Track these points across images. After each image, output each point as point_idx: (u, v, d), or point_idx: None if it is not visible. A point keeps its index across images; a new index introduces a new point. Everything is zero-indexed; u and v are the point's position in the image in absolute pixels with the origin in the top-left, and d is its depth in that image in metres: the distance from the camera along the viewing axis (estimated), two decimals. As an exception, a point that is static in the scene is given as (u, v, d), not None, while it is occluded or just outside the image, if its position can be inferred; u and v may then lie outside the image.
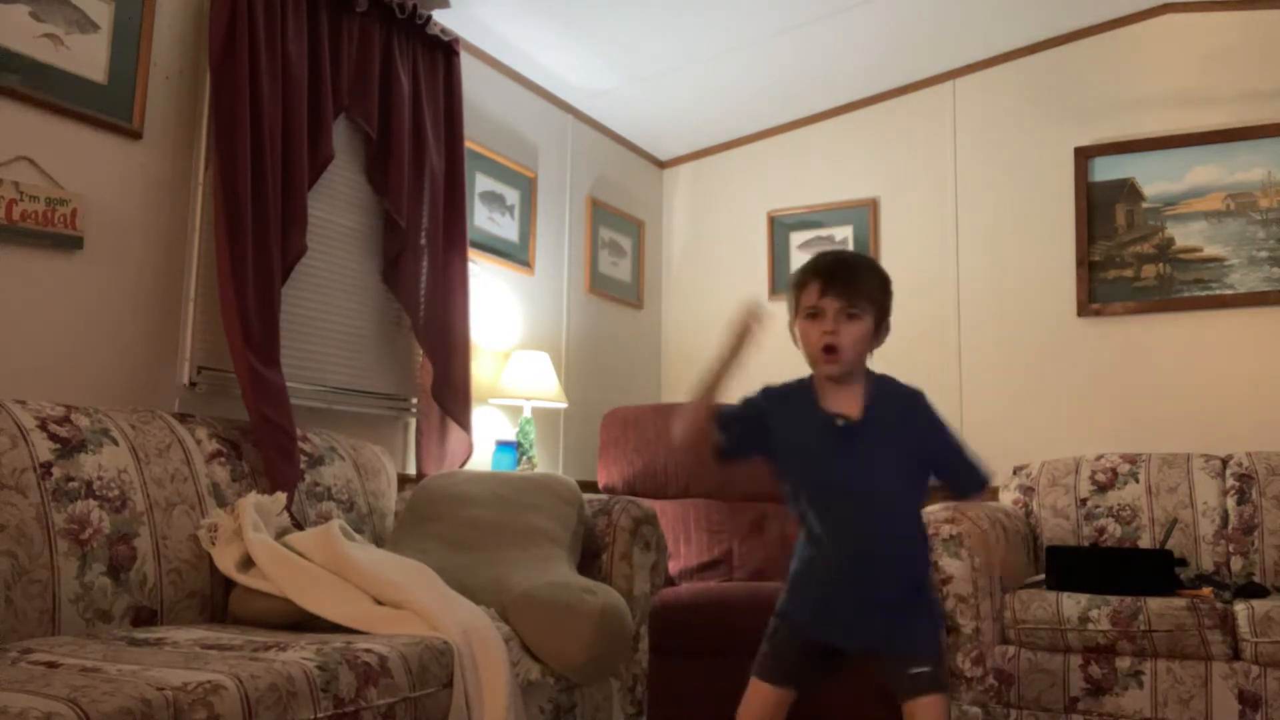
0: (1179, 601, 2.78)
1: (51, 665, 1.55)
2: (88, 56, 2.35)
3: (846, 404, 1.83)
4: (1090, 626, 2.84)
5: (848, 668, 1.86)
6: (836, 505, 1.82)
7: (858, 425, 1.82)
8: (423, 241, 3.16)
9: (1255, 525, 3.20)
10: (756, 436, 1.86)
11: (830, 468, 1.82)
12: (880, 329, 1.85)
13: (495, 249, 3.70)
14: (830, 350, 1.78)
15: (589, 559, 2.61)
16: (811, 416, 1.84)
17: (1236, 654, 2.74)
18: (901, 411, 1.86)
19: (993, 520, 3.13)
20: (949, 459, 1.87)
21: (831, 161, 4.49)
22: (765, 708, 1.86)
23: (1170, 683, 2.77)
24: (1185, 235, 3.83)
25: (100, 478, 2.03)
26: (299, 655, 1.69)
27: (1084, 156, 3.99)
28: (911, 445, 1.83)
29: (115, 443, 2.10)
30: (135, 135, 2.46)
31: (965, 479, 1.88)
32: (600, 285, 4.33)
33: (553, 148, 4.10)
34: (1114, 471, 3.47)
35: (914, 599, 1.84)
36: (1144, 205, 3.90)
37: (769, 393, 1.89)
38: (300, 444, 2.55)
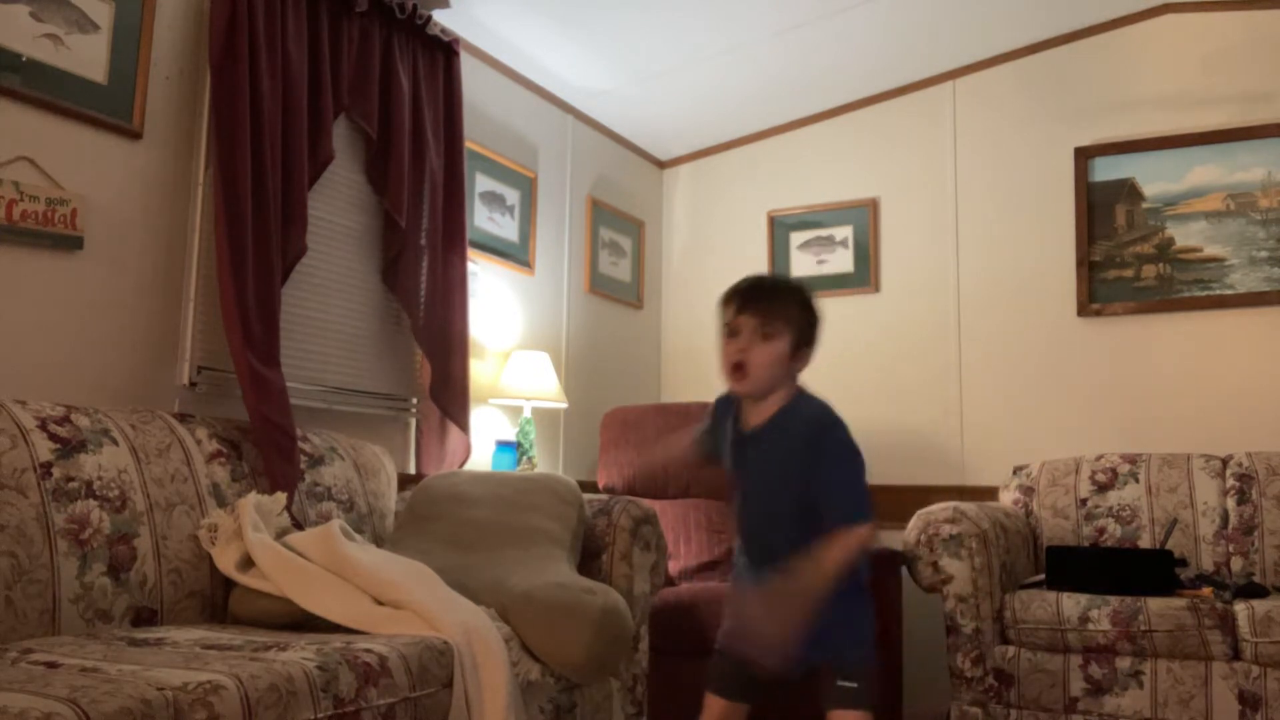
0: (1179, 602, 2.78)
1: (51, 665, 1.55)
2: (88, 56, 2.35)
3: (758, 416, 1.87)
4: (1090, 626, 2.84)
5: (792, 683, 1.84)
6: (743, 513, 1.91)
7: (751, 435, 1.86)
8: (423, 241, 3.16)
9: (1255, 525, 3.20)
10: (717, 441, 1.98)
11: (735, 474, 1.90)
12: (800, 351, 1.84)
13: (495, 249, 3.70)
14: (738, 369, 1.82)
15: (589, 559, 2.61)
16: (730, 425, 1.91)
17: (1236, 654, 2.74)
18: (799, 432, 1.81)
19: (993, 520, 3.13)
20: (820, 491, 1.77)
21: (831, 161, 4.49)
22: None
23: (1170, 683, 2.77)
24: (1185, 235, 3.83)
25: (100, 478, 2.03)
26: (299, 655, 1.69)
27: (1084, 156, 3.99)
28: (798, 465, 1.80)
29: (115, 443, 2.10)
30: (135, 135, 2.46)
31: (828, 514, 1.75)
32: (600, 285, 4.33)
33: (553, 148, 4.10)
34: (1114, 471, 3.47)
35: (837, 608, 1.77)
36: (1144, 205, 3.90)
37: (719, 400, 1.99)
38: (300, 444, 2.55)
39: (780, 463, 1.82)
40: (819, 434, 1.81)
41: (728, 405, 1.95)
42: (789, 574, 1.73)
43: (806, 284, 1.92)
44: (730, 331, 1.85)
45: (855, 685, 1.78)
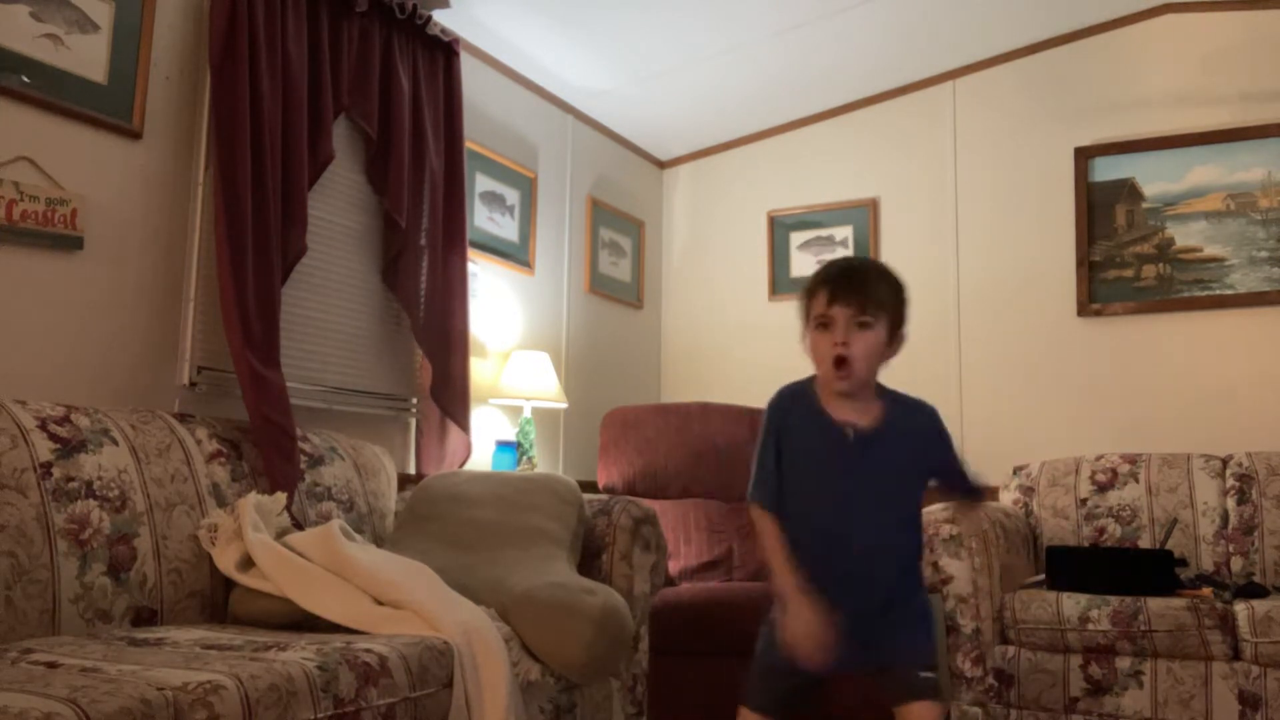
0: (1179, 602, 2.78)
1: (51, 665, 1.55)
2: (88, 56, 2.35)
3: (854, 413, 1.78)
4: (1090, 626, 2.84)
5: (836, 692, 1.87)
6: (842, 517, 1.77)
7: (870, 436, 1.77)
8: (423, 241, 3.16)
9: (1255, 525, 3.20)
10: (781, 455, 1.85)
11: (839, 478, 1.78)
12: (894, 338, 1.78)
13: (495, 249, 3.70)
14: (841, 363, 1.72)
15: (589, 559, 2.61)
16: (819, 423, 1.79)
17: (1237, 654, 2.74)
18: (912, 424, 1.83)
19: (993, 520, 3.13)
20: (949, 474, 1.89)
21: (831, 161, 4.49)
22: None
23: (1170, 683, 2.77)
24: (1185, 235, 3.83)
25: (100, 478, 2.03)
26: (299, 655, 1.69)
27: (1084, 156, 3.99)
28: (918, 457, 1.82)
29: (115, 443, 2.10)
30: (135, 135, 2.46)
31: (963, 492, 1.93)
32: (600, 285, 4.33)
33: (553, 148, 4.10)
34: (1114, 471, 3.47)
35: (913, 606, 1.83)
36: (1144, 205, 3.90)
37: (781, 402, 1.84)
38: (300, 444, 2.55)
39: (904, 462, 1.79)
40: (932, 421, 1.85)
41: (793, 402, 1.82)
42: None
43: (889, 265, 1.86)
44: (820, 323, 1.75)
45: (935, 676, 1.77)
